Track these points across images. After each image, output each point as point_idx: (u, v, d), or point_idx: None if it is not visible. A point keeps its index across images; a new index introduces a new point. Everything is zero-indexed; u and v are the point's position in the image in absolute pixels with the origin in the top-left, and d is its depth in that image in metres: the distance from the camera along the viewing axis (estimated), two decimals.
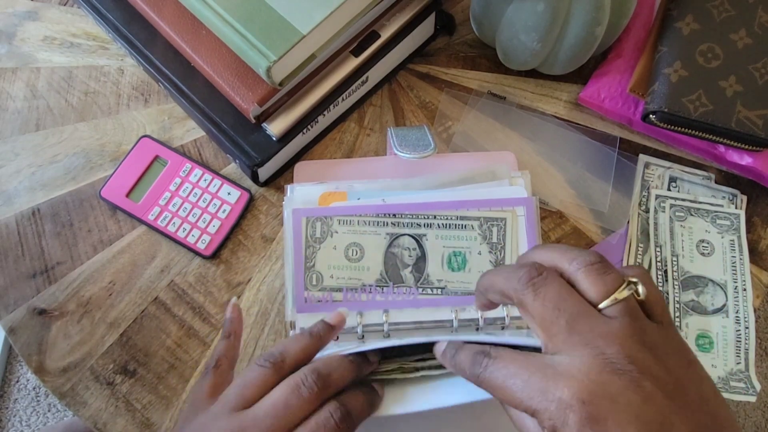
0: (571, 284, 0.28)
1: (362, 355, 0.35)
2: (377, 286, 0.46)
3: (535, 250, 0.31)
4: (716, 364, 0.48)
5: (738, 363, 0.48)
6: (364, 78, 0.53)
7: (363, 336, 0.46)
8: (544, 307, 0.27)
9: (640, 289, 0.27)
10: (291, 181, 0.54)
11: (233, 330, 0.39)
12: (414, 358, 0.36)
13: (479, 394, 0.31)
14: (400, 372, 0.35)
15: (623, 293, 0.26)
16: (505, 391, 0.26)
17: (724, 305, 0.50)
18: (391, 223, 0.47)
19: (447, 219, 0.47)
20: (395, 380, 0.36)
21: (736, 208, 0.53)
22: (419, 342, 0.34)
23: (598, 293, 0.27)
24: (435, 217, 0.47)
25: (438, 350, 0.33)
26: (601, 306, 0.26)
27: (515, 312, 0.45)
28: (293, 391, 0.31)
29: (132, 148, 0.54)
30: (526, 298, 0.27)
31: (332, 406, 0.31)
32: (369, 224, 0.47)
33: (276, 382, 0.32)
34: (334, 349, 0.36)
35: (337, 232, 0.47)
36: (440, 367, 0.35)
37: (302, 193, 0.49)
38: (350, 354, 0.34)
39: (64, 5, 0.61)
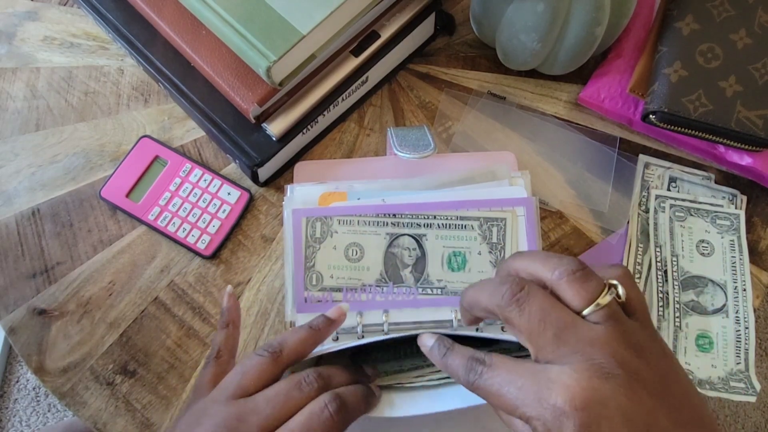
0: (554, 293, 0.28)
1: (360, 368, 0.36)
2: (377, 286, 0.46)
3: (515, 259, 0.31)
4: (716, 364, 0.48)
5: (738, 363, 0.48)
6: (364, 78, 0.53)
7: (363, 336, 0.46)
8: (530, 322, 0.27)
9: (620, 291, 0.28)
10: (291, 181, 0.54)
11: (231, 319, 0.39)
12: (413, 375, 0.36)
13: (474, 400, 0.31)
14: (399, 385, 0.36)
15: (605, 299, 0.27)
16: (500, 398, 0.27)
17: (724, 305, 0.50)
18: (391, 223, 0.47)
19: (447, 219, 0.47)
20: (394, 387, 0.36)
21: (735, 208, 0.53)
22: (415, 335, 0.35)
23: (581, 301, 0.27)
24: (435, 217, 0.47)
25: (425, 344, 0.33)
26: (584, 313, 0.27)
27: None
28: (295, 385, 0.32)
29: (132, 148, 0.54)
30: (512, 315, 0.28)
31: (328, 397, 0.31)
32: (369, 224, 0.47)
33: (273, 372, 0.33)
34: (329, 345, 0.36)
35: (337, 232, 0.47)
36: (440, 378, 0.35)
37: (302, 193, 0.49)
38: (348, 359, 0.35)
39: (64, 5, 0.61)
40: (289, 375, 0.33)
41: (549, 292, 0.28)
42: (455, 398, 0.33)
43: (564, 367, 0.26)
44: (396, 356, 0.40)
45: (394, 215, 0.47)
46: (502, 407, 0.27)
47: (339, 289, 0.46)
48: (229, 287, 0.41)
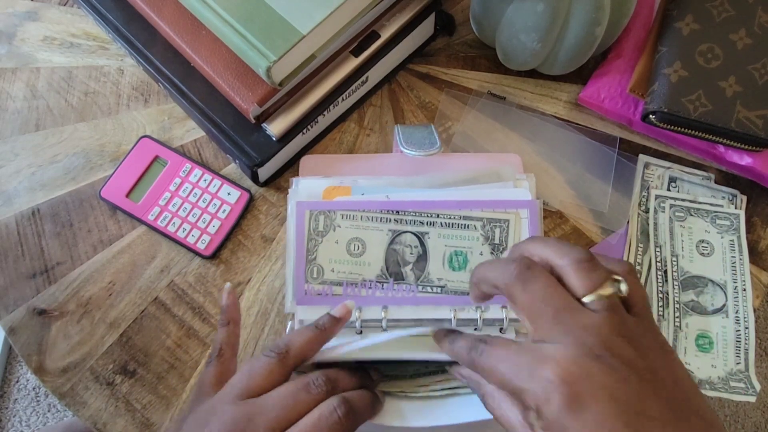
0: (560, 278, 0.30)
1: (365, 372, 0.36)
2: (377, 282, 0.46)
3: (529, 242, 0.32)
4: (716, 364, 0.48)
5: (738, 363, 0.48)
6: (364, 78, 0.53)
7: (361, 331, 0.46)
8: (531, 300, 0.29)
9: (623, 287, 0.29)
10: (290, 182, 0.54)
11: (231, 317, 0.39)
12: (416, 384, 0.36)
13: (478, 415, 0.32)
14: (403, 394, 0.36)
15: (607, 290, 0.28)
16: (496, 373, 0.28)
17: (723, 305, 0.50)
18: (394, 219, 0.47)
19: (450, 218, 0.47)
20: (398, 394, 0.36)
21: (735, 208, 0.53)
22: (419, 333, 0.35)
23: (583, 288, 0.28)
24: (438, 215, 0.47)
25: (438, 337, 0.34)
26: (584, 300, 0.28)
27: (514, 314, 0.45)
28: (303, 387, 0.32)
29: (132, 149, 0.54)
30: (515, 291, 0.29)
31: (336, 400, 0.32)
32: (372, 220, 0.47)
33: (281, 373, 0.33)
34: (334, 343, 0.36)
35: (339, 227, 0.47)
36: (442, 389, 0.36)
37: (307, 186, 0.49)
38: (354, 364, 0.35)
39: (64, 5, 0.61)
40: (297, 377, 0.34)
41: (554, 277, 0.30)
42: (466, 411, 0.33)
43: (557, 345, 0.27)
44: (400, 372, 0.40)
45: (398, 212, 0.47)
46: (498, 382, 0.28)
47: (339, 283, 0.46)
48: (228, 284, 0.41)
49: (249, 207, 0.53)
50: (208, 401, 0.33)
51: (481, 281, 0.32)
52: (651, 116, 0.51)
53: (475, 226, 0.47)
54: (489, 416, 0.31)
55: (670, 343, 0.49)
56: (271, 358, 0.33)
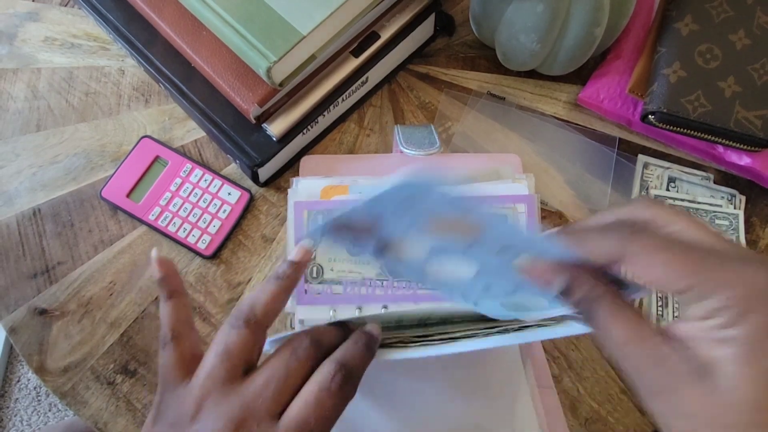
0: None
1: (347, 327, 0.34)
2: (377, 279, 0.47)
3: (632, 204, 0.28)
4: None
5: None
6: (364, 78, 0.54)
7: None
8: (699, 226, 0.25)
9: None
10: (291, 182, 0.54)
11: (173, 288, 0.34)
12: (415, 334, 0.35)
13: (471, 346, 0.31)
14: (400, 344, 0.35)
15: None
16: (667, 263, 0.23)
17: None
18: None
19: None
20: (395, 345, 0.35)
21: (734, 208, 0.53)
22: (419, 312, 0.34)
23: None
24: None
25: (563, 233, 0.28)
26: None
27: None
28: (290, 355, 0.30)
29: (133, 149, 0.54)
30: (679, 218, 0.25)
31: (332, 367, 0.30)
32: None
33: (257, 339, 0.31)
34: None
35: None
36: (441, 336, 0.34)
37: (306, 186, 0.49)
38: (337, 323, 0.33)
39: (65, 6, 0.61)
40: (281, 343, 0.32)
41: None
42: (456, 346, 0.33)
43: (757, 257, 0.23)
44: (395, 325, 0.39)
45: None
46: (669, 273, 0.23)
47: (339, 282, 0.46)
48: (154, 251, 0.35)
49: (249, 207, 0.53)
50: (183, 391, 0.30)
51: (592, 231, 0.26)
52: (650, 116, 0.51)
53: None
54: (473, 347, 0.30)
55: None
56: (240, 329, 0.31)
